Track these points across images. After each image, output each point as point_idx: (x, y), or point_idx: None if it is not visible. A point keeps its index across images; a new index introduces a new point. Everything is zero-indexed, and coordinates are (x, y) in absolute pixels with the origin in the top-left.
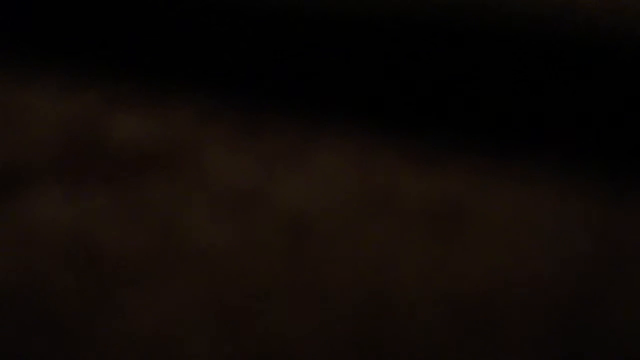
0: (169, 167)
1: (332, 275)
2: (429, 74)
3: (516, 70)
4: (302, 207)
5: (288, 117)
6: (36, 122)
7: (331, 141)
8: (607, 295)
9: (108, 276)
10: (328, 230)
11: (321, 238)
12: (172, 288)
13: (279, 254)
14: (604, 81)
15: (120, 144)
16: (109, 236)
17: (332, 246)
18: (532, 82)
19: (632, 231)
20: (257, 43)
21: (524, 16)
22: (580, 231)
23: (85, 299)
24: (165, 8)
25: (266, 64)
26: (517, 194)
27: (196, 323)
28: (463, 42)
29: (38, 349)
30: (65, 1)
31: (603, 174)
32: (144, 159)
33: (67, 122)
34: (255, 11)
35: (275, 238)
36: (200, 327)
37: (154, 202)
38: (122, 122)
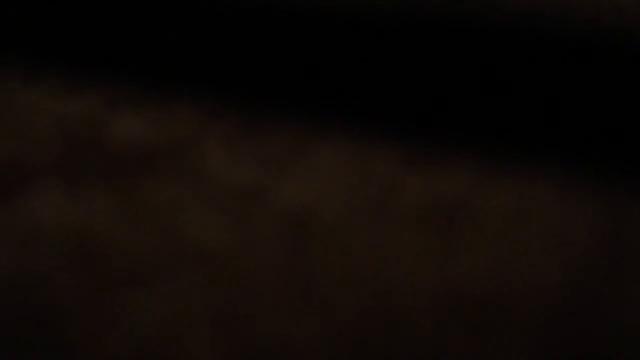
0: (169, 167)
1: (332, 274)
2: (429, 73)
3: (517, 70)
4: (302, 206)
5: (288, 117)
6: (36, 122)
7: (331, 141)
8: (607, 295)
9: (108, 275)
10: (328, 229)
11: (321, 237)
12: (172, 287)
13: (279, 253)
14: (605, 80)
15: (120, 144)
16: (108, 236)
17: (331, 245)
18: (532, 81)
19: (633, 231)
20: (257, 43)
21: (525, 16)
22: (580, 231)
23: (85, 298)
24: (165, 8)
25: (266, 64)
26: (517, 194)
27: (196, 322)
28: (463, 42)
29: (38, 348)
30: (65, 1)
31: (604, 174)
32: (144, 159)
33: (67, 122)
34: (256, 12)
35: (275, 237)
36: (200, 326)
37: (154, 201)
38: (122, 122)
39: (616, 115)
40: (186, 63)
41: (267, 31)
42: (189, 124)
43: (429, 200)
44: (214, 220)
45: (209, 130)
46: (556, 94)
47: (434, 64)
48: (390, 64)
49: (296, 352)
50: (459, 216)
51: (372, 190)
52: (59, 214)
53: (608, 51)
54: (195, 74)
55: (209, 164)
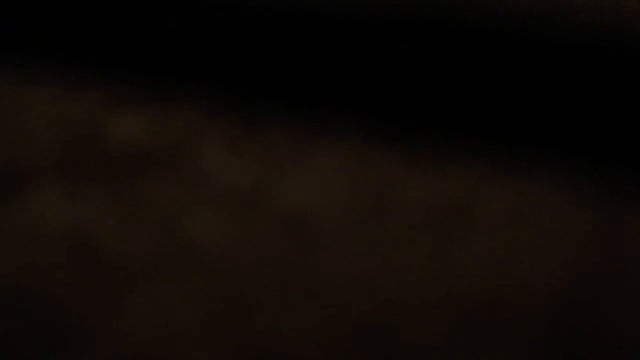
0: (169, 167)
1: (332, 274)
2: (428, 74)
3: (516, 70)
4: (302, 206)
5: (288, 117)
6: (36, 122)
7: (331, 141)
8: (606, 295)
9: (107, 275)
10: (327, 229)
11: (320, 237)
12: (172, 287)
13: (278, 253)
14: (603, 81)
15: (120, 144)
16: (108, 236)
17: (331, 245)
18: (531, 82)
19: (631, 232)
20: (257, 43)
21: (524, 16)
22: (579, 231)
23: (85, 298)
24: (165, 9)
25: (266, 64)
26: (517, 194)
27: (195, 322)
28: (462, 42)
29: (38, 348)
30: (65, 1)
31: (602, 175)
32: (144, 159)
33: (67, 122)
34: (255, 12)
35: (274, 237)
36: (199, 326)
37: (154, 202)
38: (122, 122)
39: (616, 116)
40: (186, 63)
41: (268, 31)
42: (189, 124)
43: (428, 200)
44: (214, 220)
45: (209, 130)
46: (556, 94)
47: (434, 65)
48: (389, 65)
49: (296, 352)
50: (458, 216)
51: (372, 190)
52: (58, 213)
53: (608, 51)
54: (195, 73)
55: (209, 164)
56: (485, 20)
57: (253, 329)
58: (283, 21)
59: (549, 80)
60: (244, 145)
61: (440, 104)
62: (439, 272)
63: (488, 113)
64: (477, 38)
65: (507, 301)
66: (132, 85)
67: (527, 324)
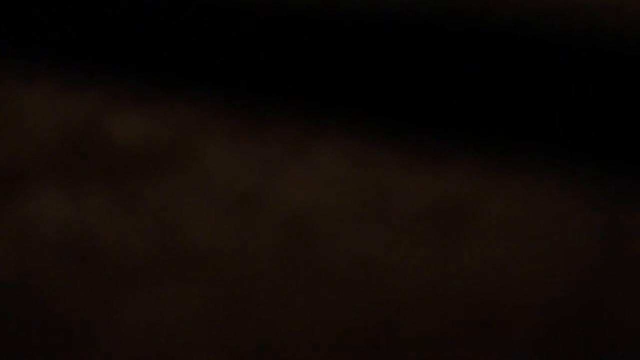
0: (169, 167)
1: (332, 274)
2: (428, 73)
3: (516, 70)
4: (302, 206)
5: (288, 117)
6: (36, 122)
7: (331, 141)
8: (607, 295)
9: (108, 276)
10: (328, 229)
11: (321, 238)
12: (172, 287)
13: (278, 254)
14: (604, 80)
15: (120, 144)
16: (108, 236)
17: (331, 246)
18: (532, 81)
19: (632, 231)
20: (257, 43)
21: (524, 16)
22: (580, 231)
23: (85, 298)
24: (165, 8)
25: (266, 64)
26: (517, 194)
27: (196, 323)
28: (463, 42)
29: (38, 348)
30: (65, 1)
31: (603, 174)
32: (144, 159)
33: (67, 122)
34: (255, 11)
35: (275, 238)
36: (199, 326)
37: (154, 201)
38: (122, 122)
39: (616, 116)
40: (187, 62)
41: (268, 31)
42: (190, 124)
43: (428, 200)
44: (214, 221)
45: (210, 130)
46: (556, 94)
47: (434, 65)
48: (389, 65)
49: (296, 352)
50: (458, 217)
51: (372, 191)
52: (58, 213)
53: (608, 51)
54: (195, 73)
55: (209, 164)
56: (484, 21)
57: (253, 329)
58: (283, 20)
59: (549, 80)
60: (245, 144)
61: (441, 104)
62: (440, 272)
63: (489, 113)
64: (477, 38)
65: (508, 301)
66: (132, 85)
67: (527, 324)
